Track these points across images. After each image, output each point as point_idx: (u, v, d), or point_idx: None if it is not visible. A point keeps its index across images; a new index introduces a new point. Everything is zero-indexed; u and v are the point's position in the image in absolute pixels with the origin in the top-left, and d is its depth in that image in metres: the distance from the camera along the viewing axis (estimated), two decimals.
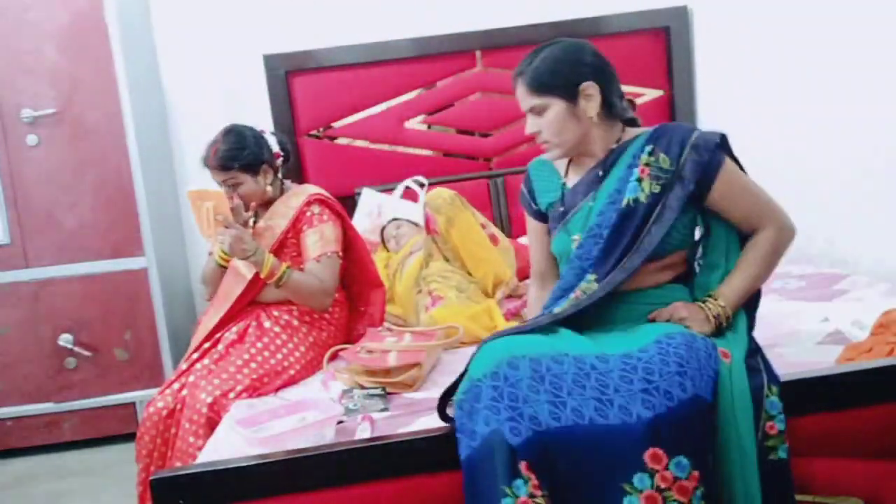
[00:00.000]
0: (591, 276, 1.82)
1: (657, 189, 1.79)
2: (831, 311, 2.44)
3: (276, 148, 2.65)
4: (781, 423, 1.61)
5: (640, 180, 1.80)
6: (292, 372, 2.48)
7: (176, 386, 2.45)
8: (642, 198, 1.79)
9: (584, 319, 1.80)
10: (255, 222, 2.62)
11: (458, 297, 2.83)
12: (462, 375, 1.66)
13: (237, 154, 2.53)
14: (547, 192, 1.98)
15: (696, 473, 1.47)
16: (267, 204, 2.65)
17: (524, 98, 1.86)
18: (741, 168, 1.86)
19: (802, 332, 2.27)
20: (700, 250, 1.90)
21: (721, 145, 1.82)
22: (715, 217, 1.86)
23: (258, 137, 2.61)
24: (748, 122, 3.53)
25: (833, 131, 3.00)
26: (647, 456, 1.47)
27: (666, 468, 1.46)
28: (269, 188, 2.61)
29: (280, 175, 2.70)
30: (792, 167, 3.24)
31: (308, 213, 2.59)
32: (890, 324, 2.04)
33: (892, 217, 2.77)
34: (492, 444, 1.50)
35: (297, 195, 2.64)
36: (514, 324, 2.57)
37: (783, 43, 3.25)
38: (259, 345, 2.49)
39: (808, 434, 1.68)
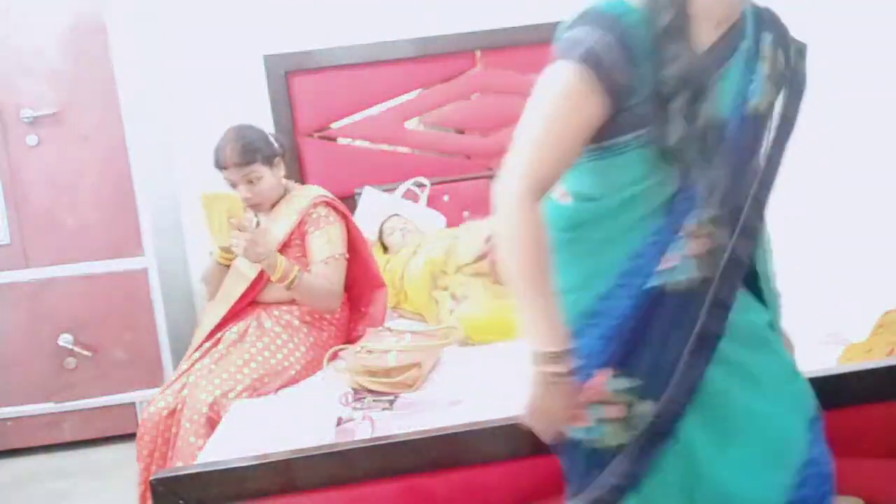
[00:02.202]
0: (708, 213, 1.27)
1: (772, 98, 1.32)
2: (831, 311, 2.44)
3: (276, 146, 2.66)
4: None
5: (768, 78, 1.31)
6: (293, 372, 2.48)
7: (176, 386, 2.45)
8: (762, 107, 1.31)
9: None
10: (257, 224, 2.62)
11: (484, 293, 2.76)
12: None
13: (258, 146, 2.54)
14: (667, 63, 1.25)
15: None
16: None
17: None
18: None
19: (802, 332, 2.27)
20: None
21: None
22: None
23: (264, 133, 2.63)
24: None
25: (833, 131, 3.00)
26: None
27: None
28: (283, 181, 2.62)
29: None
30: (792, 166, 3.23)
31: (314, 216, 2.59)
32: (890, 324, 2.04)
33: (893, 217, 2.76)
34: None
35: (302, 197, 2.64)
36: None
37: None
38: (259, 345, 2.49)
39: None
